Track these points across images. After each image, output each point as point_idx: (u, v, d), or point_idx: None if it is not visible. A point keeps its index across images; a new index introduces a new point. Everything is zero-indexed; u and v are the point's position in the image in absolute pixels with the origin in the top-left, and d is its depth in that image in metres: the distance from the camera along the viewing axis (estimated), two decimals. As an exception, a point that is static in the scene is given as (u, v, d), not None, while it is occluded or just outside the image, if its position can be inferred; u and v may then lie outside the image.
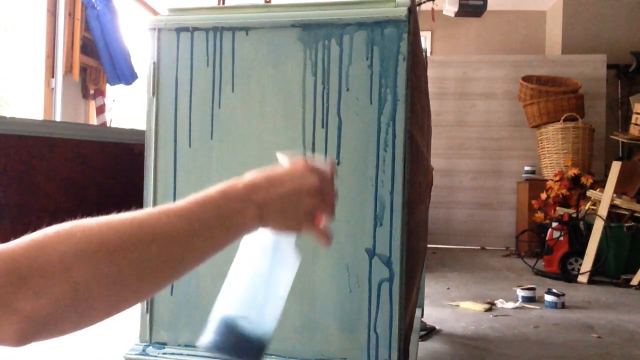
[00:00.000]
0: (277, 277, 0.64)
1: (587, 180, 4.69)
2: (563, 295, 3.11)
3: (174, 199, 0.96)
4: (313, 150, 0.91)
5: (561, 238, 4.09)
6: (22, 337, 0.43)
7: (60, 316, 0.44)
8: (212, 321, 0.63)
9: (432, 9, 5.07)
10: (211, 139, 0.94)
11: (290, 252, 0.66)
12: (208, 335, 0.62)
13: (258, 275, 0.63)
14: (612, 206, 4.07)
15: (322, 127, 0.91)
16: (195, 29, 0.95)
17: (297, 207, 0.63)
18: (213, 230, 0.54)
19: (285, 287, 0.66)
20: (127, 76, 3.97)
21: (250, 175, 0.60)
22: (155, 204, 0.97)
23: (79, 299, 0.45)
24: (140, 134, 1.28)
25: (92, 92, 4.00)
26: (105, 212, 0.56)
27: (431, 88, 6.12)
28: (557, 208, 4.57)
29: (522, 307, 3.06)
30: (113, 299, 0.47)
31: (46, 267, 0.44)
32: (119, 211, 0.55)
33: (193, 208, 0.53)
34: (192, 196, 0.54)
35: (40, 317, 0.43)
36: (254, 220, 0.58)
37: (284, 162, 0.66)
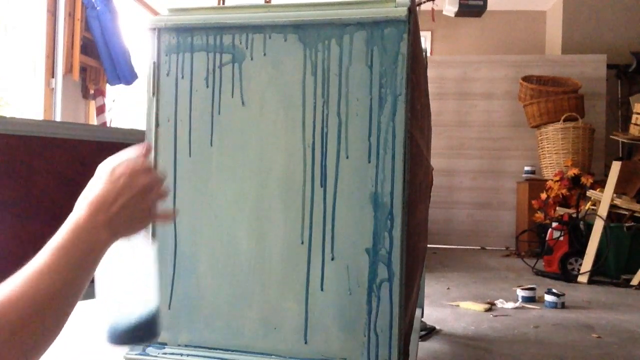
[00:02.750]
0: (143, 268, 0.75)
1: (587, 180, 4.69)
2: (563, 295, 3.11)
3: (174, 199, 0.96)
4: (313, 150, 0.91)
5: (561, 238, 4.09)
6: None
7: None
8: (105, 328, 0.74)
9: (432, 9, 5.07)
10: (211, 137, 0.95)
11: (143, 242, 0.75)
12: (110, 340, 0.73)
13: (125, 275, 0.73)
14: (612, 206, 4.07)
15: (322, 127, 0.91)
16: (195, 29, 0.95)
17: (138, 211, 0.70)
18: (87, 266, 0.64)
19: (152, 271, 0.76)
20: (127, 76, 3.97)
21: (85, 200, 0.67)
22: (155, 204, 0.97)
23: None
24: (140, 134, 1.28)
25: (92, 92, 4.00)
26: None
27: (431, 88, 6.11)
28: (557, 208, 4.57)
29: (522, 307, 3.06)
30: (45, 346, 0.58)
31: None
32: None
33: (66, 258, 0.61)
34: (57, 241, 0.62)
35: None
36: (108, 240, 0.67)
37: (104, 170, 0.72)
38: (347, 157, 0.89)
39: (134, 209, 0.69)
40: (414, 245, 1.12)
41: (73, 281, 0.61)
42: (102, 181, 0.70)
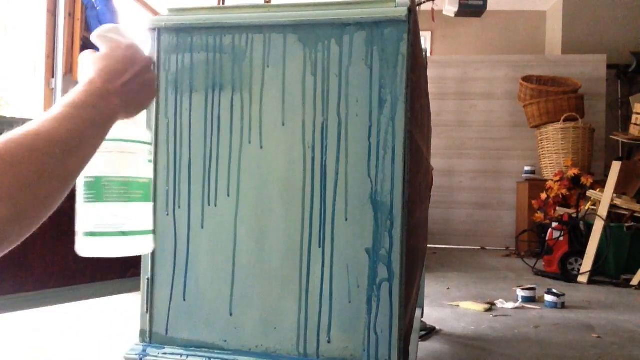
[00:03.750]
0: None
1: (587, 180, 4.69)
2: (563, 295, 3.11)
3: (174, 199, 0.96)
4: (313, 150, 0.91)
5: (561, 238, 4.09)
6: None
7: (7, 230, 0.50)
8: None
9: (432, 9, 5.07)
10: (211, 138, 0.95)
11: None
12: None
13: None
14: (612, 206, 4.07)
15: (322, 127, 0.91)
16: (195, 29, 0.95)
17: (146, 84, 0.74)
18: (95, 126, 0.62)
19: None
20: (127, 76, 3.96)
21: (96, 68, 0.68)
22: (155, 203, 0.97)
23: (18, 212, 0.50)
24: (140, 134, 1.28)
25: (92, 92, 4.00)
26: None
27: (431, 88, 6.12)
28: (557, 208, 4.57)
29: (522, 307, 3.06)
30: (41, 201, 0.53)
31: None
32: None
33: (77, 112, 0.60)
34: (67, 99, 0.61)
35: None
36: (120, 109, 0.67)
37: (108, 44, 0.73)
38: (347, 157, 0.89)
39: (143, 80, 0.72)
40: (414, 245, 1.12)
41: (86, 132, 0.60)
42: (109, 52, 0.71)
